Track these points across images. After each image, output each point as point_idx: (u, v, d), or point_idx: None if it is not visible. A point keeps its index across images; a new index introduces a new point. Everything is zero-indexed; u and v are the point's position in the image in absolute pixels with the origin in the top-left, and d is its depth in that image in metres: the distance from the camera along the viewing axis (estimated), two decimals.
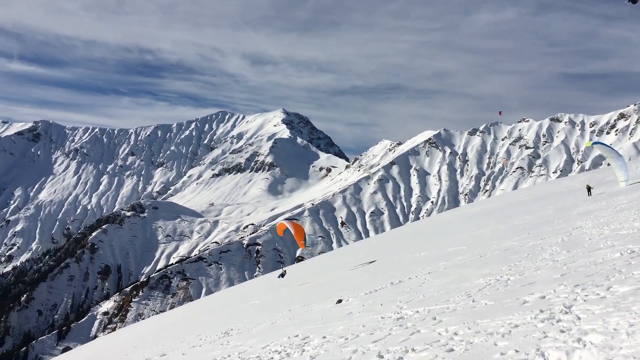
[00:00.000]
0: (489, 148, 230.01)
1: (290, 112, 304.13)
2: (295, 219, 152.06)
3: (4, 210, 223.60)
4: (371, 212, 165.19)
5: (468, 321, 8.61)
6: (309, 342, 10.86)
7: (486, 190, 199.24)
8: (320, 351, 9.67)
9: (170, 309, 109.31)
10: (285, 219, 40.63)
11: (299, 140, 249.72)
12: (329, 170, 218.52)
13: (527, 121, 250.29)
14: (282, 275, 37.65)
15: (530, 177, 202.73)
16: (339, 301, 16.44)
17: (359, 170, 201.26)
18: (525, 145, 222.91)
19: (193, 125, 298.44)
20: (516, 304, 9.07)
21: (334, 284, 25.04)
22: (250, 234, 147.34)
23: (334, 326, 11.95)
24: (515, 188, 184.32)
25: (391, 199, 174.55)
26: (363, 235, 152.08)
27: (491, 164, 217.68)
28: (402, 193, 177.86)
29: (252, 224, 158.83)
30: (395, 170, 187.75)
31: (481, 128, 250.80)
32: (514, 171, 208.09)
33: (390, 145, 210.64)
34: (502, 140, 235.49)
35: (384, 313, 11.81)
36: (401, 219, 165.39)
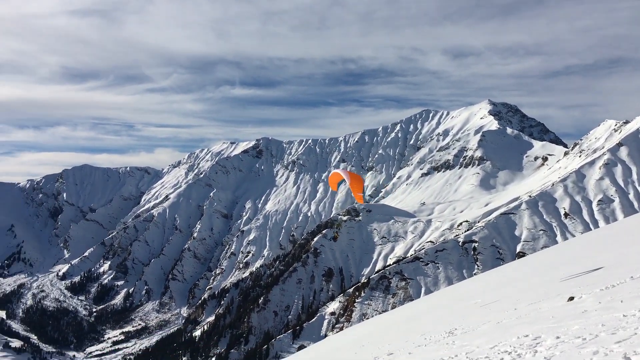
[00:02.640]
0: None
1: (497, 102, 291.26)
2: (513, 213, 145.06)
3: (239, 222, 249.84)
4: (599, 201, 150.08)
5: None
6: (541, 342, 10.28)
7: None
8: (554, 352, 9.09)
9: (392, 308, 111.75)
10: (339, 170, 38.48)
11: (508, 130, 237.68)
12: (544, 159, 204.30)
13: None
14: (334, 238, 38.60)
15: None
16: (571, 298, 15.30)
17: (580, 156, 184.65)
18: None
19: (398, 127, 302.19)
20: None
21: (561, 280, 23.32)
22: (465, 232, 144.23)
23: (568, 325, 11.15)
24: None
25: (622, 184, 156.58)
26: (591, 226, 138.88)
27: None
28: (635, 177, 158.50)
29: (466, 221, 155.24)
30: (623, 152, 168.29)
31: None
32: None
33: (616, 125, 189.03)
34: None
35: (626, 311, 10.70)
36: (636, 205, 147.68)
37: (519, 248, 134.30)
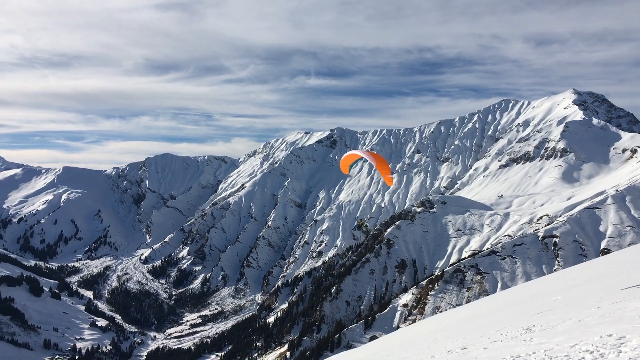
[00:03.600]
0: None
1: (582, 92, 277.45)
2: (598, 208, 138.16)
3: (312, 211, 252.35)
4: None
5: None
6: (626, 342, 9.73)
7: None
8: None
9: (466, 302, 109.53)
10: (356, 151, 34.54)
11: (594, 121, 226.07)
12: (634, 151, 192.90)
13: None
14: (358, 226, 34.89)
15: None
16: None
17: None
18: None
19: (475, 117, 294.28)
20: None
21: None
22: (545, 226, 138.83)
23: None
24: None
25: None
26: None
27: None
28: None
29: (547, 215, 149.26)
30: None
31: None
32: None
33: None
34: None
35: None
36: None
37: (603, 244, 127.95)
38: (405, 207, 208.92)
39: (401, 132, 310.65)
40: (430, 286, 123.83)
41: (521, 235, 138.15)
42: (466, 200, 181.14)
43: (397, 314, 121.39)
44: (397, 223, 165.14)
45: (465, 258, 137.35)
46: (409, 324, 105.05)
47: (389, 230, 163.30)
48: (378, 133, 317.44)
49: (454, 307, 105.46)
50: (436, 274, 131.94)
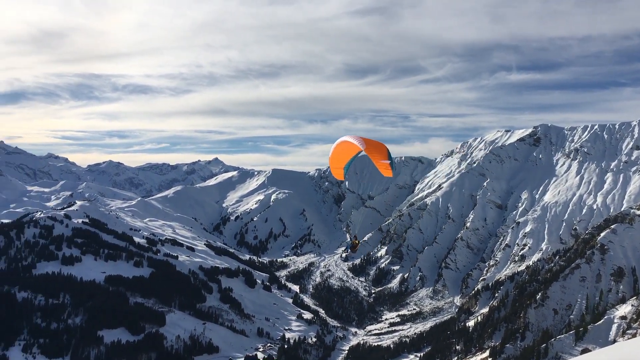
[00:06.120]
0: None
1: None
2: None
3: (514, 212, 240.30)
4: None
5: None
6: None
7: None
8: None
9: None
10: (344, 138, 25.71)
11: None
12: None
13: None
14: (352, 247, 32.13)
15: None
16: None
17: None
18: None
19: None
20: None
21: None
22: None
23: None
24: None
25: None
26: None
27: None
28: None
29: None
30: None
31: None
32: None
33: None
34: None
35: None
36: None
37: None
38: (622, 209, 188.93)
39: (616, 126, 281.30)
40: None
41: None
42: None
43: (614, 327, 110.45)
44: (612, 227, 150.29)
45: None
46: (628, 338, 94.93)
47: (602, 234, 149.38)
48: (589, 128, 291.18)
49: None
50: None
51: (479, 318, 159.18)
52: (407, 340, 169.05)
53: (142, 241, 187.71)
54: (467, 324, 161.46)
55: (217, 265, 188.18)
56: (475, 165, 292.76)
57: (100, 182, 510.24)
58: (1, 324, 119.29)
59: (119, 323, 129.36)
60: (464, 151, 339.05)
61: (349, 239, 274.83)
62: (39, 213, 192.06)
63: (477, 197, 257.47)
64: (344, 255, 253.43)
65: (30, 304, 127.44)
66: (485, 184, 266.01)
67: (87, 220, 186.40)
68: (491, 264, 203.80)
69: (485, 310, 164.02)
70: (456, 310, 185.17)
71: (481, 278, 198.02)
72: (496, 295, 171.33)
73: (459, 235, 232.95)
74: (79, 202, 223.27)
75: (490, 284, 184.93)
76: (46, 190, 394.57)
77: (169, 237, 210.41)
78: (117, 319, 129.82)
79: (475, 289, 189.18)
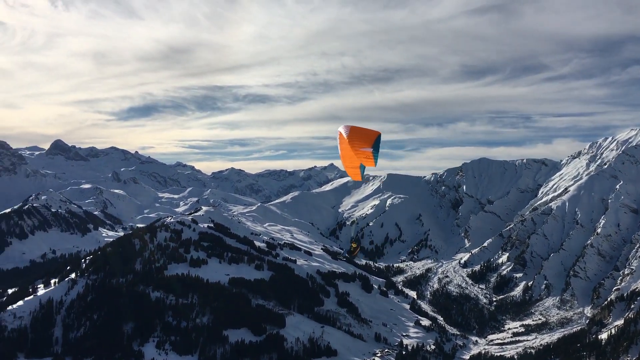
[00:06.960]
0: None
1: None
2: None
3: None
4: None
5: None
6: None
7: None
8: None
9: None
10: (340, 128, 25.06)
11: None
12: None
13: None
14: (351, 252, 32.12)
15: None
16: None
17: None
18: None
19: None
20: None
21: None
22: None
23: None
24: None
25: None
26: None
27: None
28: None
29: None
30: None
31: None
32: None
33: None
34: None
35: None
36: None
37: None
38: None
39: None
40: None
41: None
42: None
43: None
44: None
45: None
46: None
47: None
48: None
49: None
50: None
51: (613, 330, 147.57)
52: (533, 351, 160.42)
53: (262, 245, 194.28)
54: (599, 337, 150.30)
55: (334, 270, 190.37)
56: (606, 166, 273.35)
57: (223, 188, 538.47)
58: (138, 321, 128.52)
59: (242, 323, 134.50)
60: (592, 152, 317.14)
61: (466, 244, 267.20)
62: (170, 218, 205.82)
63: (609, 200, 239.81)
64: (462, 261, 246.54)
65: (162, 303, 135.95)
66: (618, 186, 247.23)
67: (212, 225, 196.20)
68: (626, 272, 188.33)
69: (620, 322, 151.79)
70: (586, 321, 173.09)
71: (615, 288, 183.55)
72: (632, 306, 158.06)
73: (589, 241, 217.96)
74: (204, 208, 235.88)
75: (625, 294, 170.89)
76: (175, 196, 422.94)
77: (287, 242, 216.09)
78: (241, 320, 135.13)
79: (609, 299, 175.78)
